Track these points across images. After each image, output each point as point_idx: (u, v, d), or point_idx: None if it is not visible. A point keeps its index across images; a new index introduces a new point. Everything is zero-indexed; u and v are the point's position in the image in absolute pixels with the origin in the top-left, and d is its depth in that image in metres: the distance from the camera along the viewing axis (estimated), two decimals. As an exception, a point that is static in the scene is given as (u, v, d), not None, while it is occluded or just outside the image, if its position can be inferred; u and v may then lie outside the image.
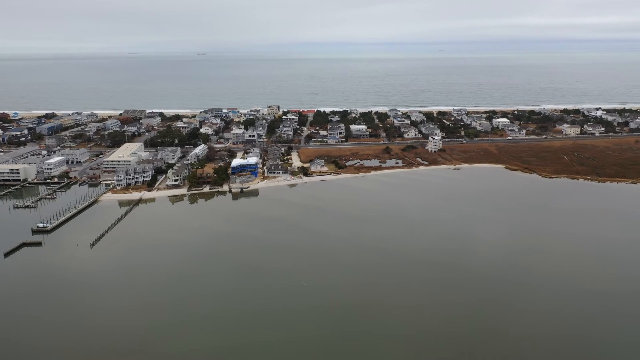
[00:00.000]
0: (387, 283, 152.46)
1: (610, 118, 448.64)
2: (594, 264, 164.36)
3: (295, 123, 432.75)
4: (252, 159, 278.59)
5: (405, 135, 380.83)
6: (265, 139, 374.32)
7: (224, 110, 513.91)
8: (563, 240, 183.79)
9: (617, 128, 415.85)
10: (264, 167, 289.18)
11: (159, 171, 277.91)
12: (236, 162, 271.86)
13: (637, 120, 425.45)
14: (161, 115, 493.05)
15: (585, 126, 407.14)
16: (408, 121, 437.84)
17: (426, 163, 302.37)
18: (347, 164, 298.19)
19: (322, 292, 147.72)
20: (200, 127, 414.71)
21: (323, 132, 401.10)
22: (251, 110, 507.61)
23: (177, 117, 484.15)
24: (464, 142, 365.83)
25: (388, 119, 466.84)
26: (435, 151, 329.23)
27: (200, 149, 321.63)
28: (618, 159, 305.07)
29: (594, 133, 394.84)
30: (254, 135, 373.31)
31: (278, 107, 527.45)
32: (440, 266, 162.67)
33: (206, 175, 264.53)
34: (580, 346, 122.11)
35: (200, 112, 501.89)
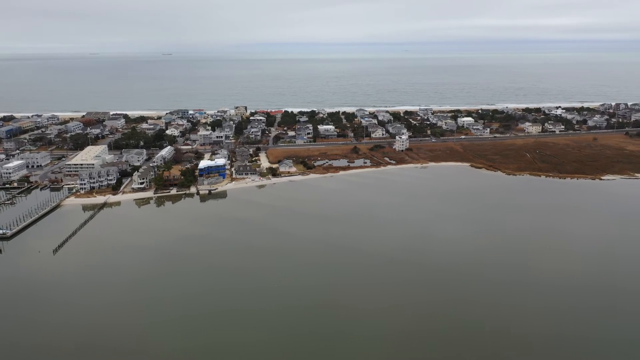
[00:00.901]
0: (359, 283, 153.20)
1: (569, 116, 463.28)
2: (559, 258, 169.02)
3: (263, 124, 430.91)
4: (220, 161, 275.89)
5: (373, 135, 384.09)
6: (233, 140, 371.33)
7: (191, 112, 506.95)
8: (528, 236, 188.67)
9: (576, 126, 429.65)
10: (232, 169, 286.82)
11: (124, 174, 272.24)
12: (203, 163, 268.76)
13: (595, 118, 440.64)
14: (125, 116, 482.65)
15: (546, 124, 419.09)
16: (375, 121, 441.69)
17: (394, 162, 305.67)
18: (315, 164, 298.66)
19: (294, 293, 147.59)
20: (166, 129, 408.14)
21: (291, 133, 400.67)
22: (218, 111, 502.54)
23: (142, 119, 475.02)
24: (433, 140, 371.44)
25: (355, 119, 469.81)
26: (402, 150, 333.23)
27: (166, 151, 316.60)
28: (577, 156, 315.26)
29: (554, 131, 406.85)
30: (222, 137, 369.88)
31: (245, 108, 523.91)
32: (411, 265, 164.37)
33: (173, 177, 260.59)
34: (550, 341, 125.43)
35: (166, 113, 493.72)
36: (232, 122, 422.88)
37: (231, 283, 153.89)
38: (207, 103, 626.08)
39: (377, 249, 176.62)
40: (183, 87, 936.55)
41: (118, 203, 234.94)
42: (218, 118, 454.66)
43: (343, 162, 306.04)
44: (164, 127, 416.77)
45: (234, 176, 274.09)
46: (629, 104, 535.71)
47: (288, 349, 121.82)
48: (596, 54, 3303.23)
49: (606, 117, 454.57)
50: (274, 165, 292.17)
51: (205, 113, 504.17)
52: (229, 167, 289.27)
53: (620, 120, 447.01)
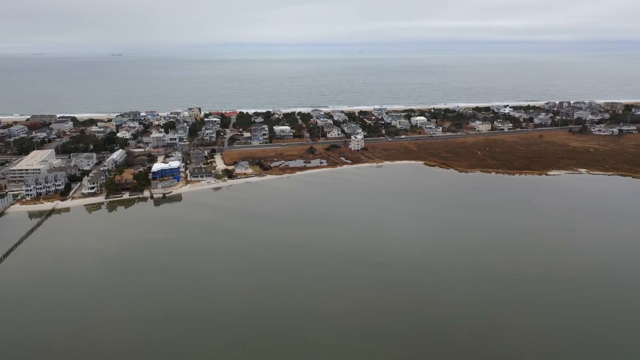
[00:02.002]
0: (318, 284, 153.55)
1: (517, 115, 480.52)
2: (513, 253, 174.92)
3: (218, 125, 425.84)
4: (174, 163, 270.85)
5: (329, 135, 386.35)
6: (187, 142, 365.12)
7: (142, 113, 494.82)
8: (484, 232, 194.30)
9: (523, 124, 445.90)
10: (187, 171, 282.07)
11: (74, 179, 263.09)
12: (157, 166, 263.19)
13: (540, 116, 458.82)
14: (73, 119, 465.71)
15: (495, 123, 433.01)
16: (331, 121, 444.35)
17: (350, 162, 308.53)
18: (272, 165, 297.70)
19: (253, 295, 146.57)
20: (117, 132, 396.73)
21: (247, 134, 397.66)
22: (171, 113, 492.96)
23: (92, 122, 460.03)
24: (389, 140, 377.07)
25: (311, 119, 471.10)
26: (358, 150, 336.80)
27: (117, 155, 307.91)
28: (525, 152, 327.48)
29: (503, 129, 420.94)
30: (175, 139, 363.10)
31: (199, 109, 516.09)
32: (369, 264, 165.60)
33: (125, 181, 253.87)
34: (510, 336, 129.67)
35: (117, 115, 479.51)
36: (186, 124, 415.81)
37: (188, 287, 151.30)
38: (160, 105, 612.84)
39: (334, 249, 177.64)
40: (134, 89, 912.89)
41: (67, 209, 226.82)
42: (171, 120, 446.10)
43: (299, 163, 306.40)
44: (114, 130, 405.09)
45: (188, 179, 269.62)
46: (572, 102, 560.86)
47: (247, 352, 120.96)
48: (540, 55, 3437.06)
49: (551, 115, 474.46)
50: (230, 167, 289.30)
51: (158, 115, 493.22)
52: (183, 169, 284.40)
53: (564, 118, 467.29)
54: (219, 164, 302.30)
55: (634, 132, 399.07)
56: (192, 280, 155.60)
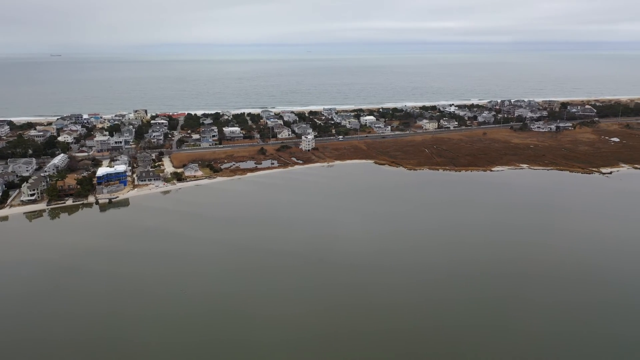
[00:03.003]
0: (268, 285, 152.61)
1: (461, 113, 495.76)
2: (457, 249, 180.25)
3: (166, 127, 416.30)
4: (120, 167, 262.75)
5: (279, 136, 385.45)
6: (134, 145, 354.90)
7: (85, 116, 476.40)
8: (429, 229, 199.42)
9: (468, 122, 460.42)
10: (134, 175, 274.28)
11: (11, 186, 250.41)
12: (102, 171, 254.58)
13: (484, 114, 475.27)
14: (10, 123, 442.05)
15: (441, 121, 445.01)
16: (281, 121, 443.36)
17: (301, 162, 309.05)
18: (222, 167, 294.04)
19: (203, 299, 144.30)
20: (58, 135, 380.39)
21: (195, 136, 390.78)
22: (116, 115, 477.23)
23: (30, 125, 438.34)
24: (340, 139, 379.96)
25: (261, 120, 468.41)
26: (309, 150, 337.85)
27: (59, 159, 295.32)
28: (470, 149, 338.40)
29: (449, 127, 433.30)
30: (121, 142, 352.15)
31: (145, 111, 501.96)
32: (317, 265, 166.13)
33: (68, 187, 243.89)
34: (461, 335, 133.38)
35: (57, 118, 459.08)
36: (131, 127, 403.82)
37: (136, 292, 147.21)
38: (104, 107, 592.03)
39: (286, 250, 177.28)
40: (75, 91, 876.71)
41: (5, 217, 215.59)
42: (116, 122, 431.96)
43: (250, 164, 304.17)
44: (55, 134, 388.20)
45: (136, 183, 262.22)
46: (512, 100, 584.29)
47: (197, 356, 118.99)
48: (481, 55, 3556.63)
49: (493, 113, 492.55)
50: (179, 170, 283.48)
51: (101, 118, 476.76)
52: (130, 173, 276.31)
53: (506, 116, 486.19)
54: (168, 167, 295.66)
55: (569, 128, 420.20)
56: (140, 285, 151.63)
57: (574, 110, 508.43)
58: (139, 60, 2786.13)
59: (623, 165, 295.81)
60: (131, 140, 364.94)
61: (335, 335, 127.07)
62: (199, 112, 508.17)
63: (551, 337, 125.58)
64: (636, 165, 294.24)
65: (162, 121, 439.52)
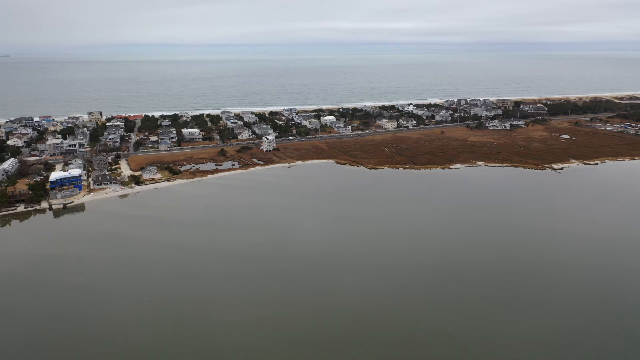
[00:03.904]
0: (227, 288, 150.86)
1: (420, 112, 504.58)
2: (416, 248, 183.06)
3: (122, 129, 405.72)
4: (75, 171, 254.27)
5: (240, 137, 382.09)
6: (89, 149, 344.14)
7: (36, 119, 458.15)
8: (388, 229, 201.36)
9: (426, 121, 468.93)
10: (90, 179, 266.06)
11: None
12: (55, 175, 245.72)
13: (441, 113, 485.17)
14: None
15: (400, 120, 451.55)
16: (241, 122, 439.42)
17: (262, 163, 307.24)
18: (182, 169, 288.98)
19: (162, 304, 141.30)
20: (8, 139, 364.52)
21: (153, 138, 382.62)
22: (69, 118, 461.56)
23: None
24: (302, 140, 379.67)
25: (221, 121, 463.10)
26: (270, 151, 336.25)
27: (9, 164, 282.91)
28: (429, 148, 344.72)
29: (408, 126, 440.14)
30: (75, 145, 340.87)
31: (100, 113, 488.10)
32: (276, 267, 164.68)
33: (19, 192, 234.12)
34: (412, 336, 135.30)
35: (6, 122, 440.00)
36: (86, 129, 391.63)
37: (94, 301, 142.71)
38: (56, 109, 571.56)
39: (245, 252, 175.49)
40: (25, 93, 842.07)
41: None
42: (70, 125, 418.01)
43: (211, 166, 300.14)
44: (4, 137, 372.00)
45: (92, 187, 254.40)
46: (468, 99, 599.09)
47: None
48: (435, 55, 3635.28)
49: (450, 112, 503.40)
50: (137, 173, 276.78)
51: (54, 120, 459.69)
52: (85, 177, 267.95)
53: (462, 114, 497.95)
54: (125, 170, 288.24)
55: (523, 126, 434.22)
56: (97, 293, 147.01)
57: (526, 108, 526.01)
58: (90, 60, 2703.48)
59: (573, 161, 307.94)
60: (86, 143, 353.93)
61: (301, 338, 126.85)
62: (157, 114, 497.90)
63: (512, 337, 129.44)
64: (585, 161, 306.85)
65: (118, 123, 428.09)
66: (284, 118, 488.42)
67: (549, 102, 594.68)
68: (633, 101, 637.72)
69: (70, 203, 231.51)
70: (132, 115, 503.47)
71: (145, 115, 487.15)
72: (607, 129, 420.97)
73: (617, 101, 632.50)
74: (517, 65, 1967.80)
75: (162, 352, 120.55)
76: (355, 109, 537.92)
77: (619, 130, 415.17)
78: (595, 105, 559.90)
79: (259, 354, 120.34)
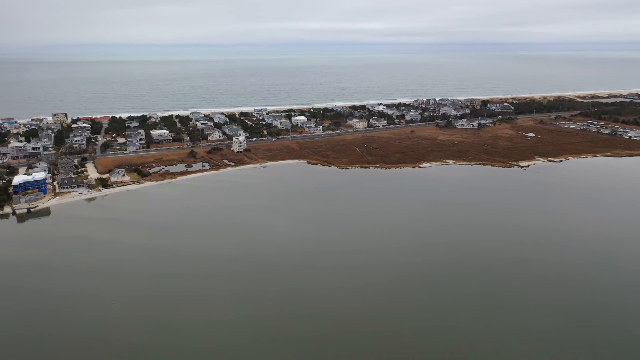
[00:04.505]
0: (196, 290, 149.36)
1: (390, 112, 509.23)
2: (388, 248, 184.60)
3: (88, 131, 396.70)
4: (39, 175, 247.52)
5: (210, 138, 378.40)
6: (54, 151, 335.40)
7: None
8: (358, 228, 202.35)
9: (396, 120, 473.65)
10: (55, 183, 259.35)
11: None
12: (19, 179, 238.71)
13: (411, 113, 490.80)
14: None
15: (371, 120, 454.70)
16: (211, 123, 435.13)
17: (233, 164, 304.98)
18: (151, 171, 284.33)
19: (136, 305, 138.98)
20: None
21: (121, 140, 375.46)
22: (32, 120, 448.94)
23: None
24: (273, 140, 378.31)
25: (191, 122, 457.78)
26: (240, 151, 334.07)
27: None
28: (399, 147, 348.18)
29: (378, 126, 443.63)
30: (39, 148, 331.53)
31: (65, 115, 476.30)
32: (246, 269, 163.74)
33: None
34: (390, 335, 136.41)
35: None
36: (50, 131, 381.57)
37: (62, 308, 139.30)
38: (18, 111, 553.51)
39: (219, 254, 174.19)
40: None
41: None
42: (33, 127, 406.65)
43: (181, 167, 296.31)
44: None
45: (57, 191, 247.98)
46: (437, 99, 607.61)
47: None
48: (405, 55, 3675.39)
49: (420, 111, 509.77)
50: (104, 176, 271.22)
51: (16, 122, 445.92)
52: (50, 181, 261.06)
53: (431, 114, 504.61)
54: (92, 173, 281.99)
55: (490, 125, 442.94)
56: (64, 300, 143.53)
57: (493, 107, 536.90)
58: (52, 61, 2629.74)
59: (539, 158, 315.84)
60: (50, 146, 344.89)
61: (276, 339, 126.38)
62: (125, 115, 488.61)
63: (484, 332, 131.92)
64: (550, 159, 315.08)
65: (85, 125, 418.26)
66: (254, 118, 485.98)
67: (515, 101, 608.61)
68: (594, 100, 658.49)
69: (35, 207, 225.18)
70: (99, 116, 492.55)
71: (113, 117, 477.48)
72: (571, 127, 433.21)
73: (579, 100, 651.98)
74: (484, 65, 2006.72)
75: (134, 353, 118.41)
76: (326, 109, 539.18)
77: (582, 128, 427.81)
78: (559, 104, 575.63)
79: (233, 354, 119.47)
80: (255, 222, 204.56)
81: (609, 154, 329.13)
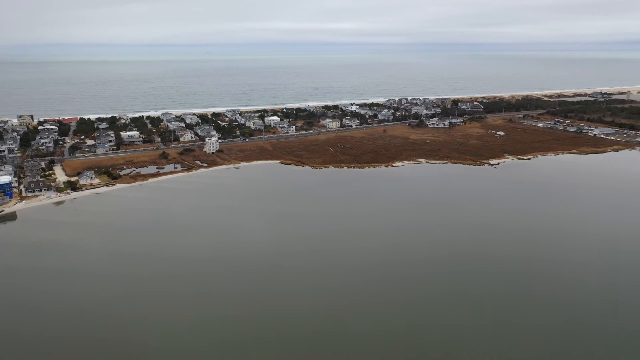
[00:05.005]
0: (166, 291, 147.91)
1: (362, 112, 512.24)
2: (362, 248, 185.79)
3: (56, 133, 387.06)
4: (4, 178, 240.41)
5: (182, 139, 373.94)
6: (19, 154, 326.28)
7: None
8: (330, 228, 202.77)
9: (369, 120, 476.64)
10: (21, 186, 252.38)
11: None
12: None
13: (383, 112, 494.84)
14: None
15: (344, 120, 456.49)
16: (183, 124, 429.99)
17: (206, 165, 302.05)
18: (121, 173, 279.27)
19: (101, 311, 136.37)
20: None
21: (90, 142, 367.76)
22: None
23: None
24: (247, 140, 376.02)
25: (162, 123, 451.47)
26: (213, 152, 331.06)
27: None
28: (372, 146, 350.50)
29: (351, 126, 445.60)
30: (4, 151, 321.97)
31: (31, 117, 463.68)
32: (219, 265, 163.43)
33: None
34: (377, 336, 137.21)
35: None
36: (15, 134, 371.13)
37: (30, 314, 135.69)
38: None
39: (192, 256, 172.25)
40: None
41: None
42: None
43: (152, 169, 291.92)
44: None
45: (24, 194, 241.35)
46: (409, 98, 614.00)
47: None
48: (376, 56, 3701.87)
49: (392, 111, 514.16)
50: (73, 179, 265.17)
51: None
52: (16, 184, 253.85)
53: (403, 113, 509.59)
54: (60, 176, 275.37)
55: (461, 123, 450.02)
56: (33, 305, 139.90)
57: (464, 106, 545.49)
58: (16, 61, 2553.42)
59: (508, 156, 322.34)
60: (16, 149, 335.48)
61: (251, 340, 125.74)
62: (93, 117, 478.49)
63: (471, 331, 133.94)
64: (519, 156, 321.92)
65: (52, 127, 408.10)
66: (227, 119, 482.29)
67: (484, 101, 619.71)
68: (561, 99, 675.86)
69: (1, 212, 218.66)
70: (66, 118, 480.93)
71: (81, 118, 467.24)
72: (538, 125, 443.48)
73: (546, 99, 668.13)
74: (455, 65, 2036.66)
75: (105, 353, 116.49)
76: (299, 109, 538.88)
77: (549, 126, 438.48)
78: (527, 103, 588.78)
79: (207, 354, 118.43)
80: (229, 223, 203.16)
81: (575, 151, 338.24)
